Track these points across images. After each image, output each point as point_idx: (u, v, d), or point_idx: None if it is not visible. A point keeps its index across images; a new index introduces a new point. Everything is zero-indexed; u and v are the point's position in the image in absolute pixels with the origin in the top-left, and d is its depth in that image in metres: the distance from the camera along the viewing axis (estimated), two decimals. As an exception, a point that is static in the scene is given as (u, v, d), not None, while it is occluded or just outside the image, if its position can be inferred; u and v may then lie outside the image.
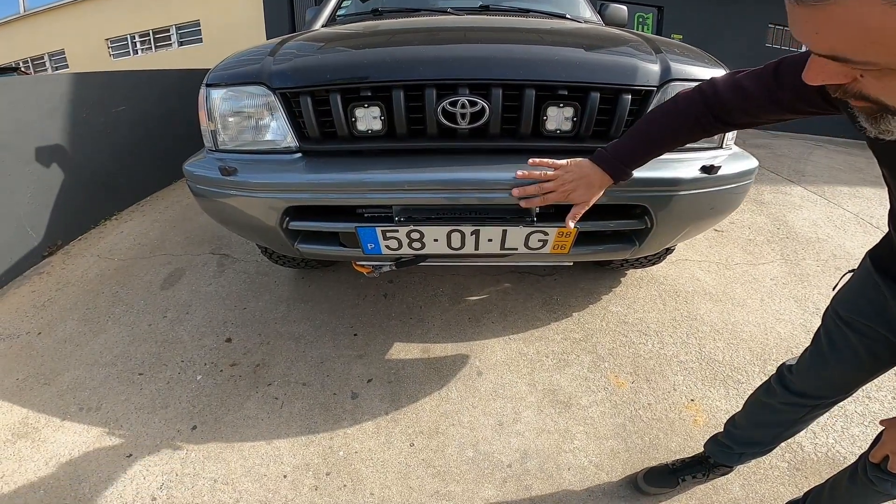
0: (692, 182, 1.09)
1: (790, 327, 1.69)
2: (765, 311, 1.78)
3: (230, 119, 1.14)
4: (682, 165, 1.10)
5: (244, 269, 2.14)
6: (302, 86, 1.05)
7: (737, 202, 1.25)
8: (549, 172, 0.93)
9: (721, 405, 1.37)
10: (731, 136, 1.20)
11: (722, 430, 1.09)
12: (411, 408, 1.38)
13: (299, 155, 1.12)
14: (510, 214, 1.06)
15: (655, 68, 1.08)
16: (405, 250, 1.07)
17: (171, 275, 2.11)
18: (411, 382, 1.47)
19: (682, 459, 1.16)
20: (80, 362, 1.58)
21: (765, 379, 0.99)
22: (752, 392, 1.01)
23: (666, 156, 1.12)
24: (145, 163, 3.03)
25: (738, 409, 1.05)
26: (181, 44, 10.72)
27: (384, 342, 1.65)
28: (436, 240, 1.05)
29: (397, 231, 1.03)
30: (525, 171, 0.95)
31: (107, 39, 11.23)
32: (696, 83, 0.83)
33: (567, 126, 1.08)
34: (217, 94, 1.13)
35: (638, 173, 1.06)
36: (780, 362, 0.95)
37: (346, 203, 1.06)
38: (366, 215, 1.11)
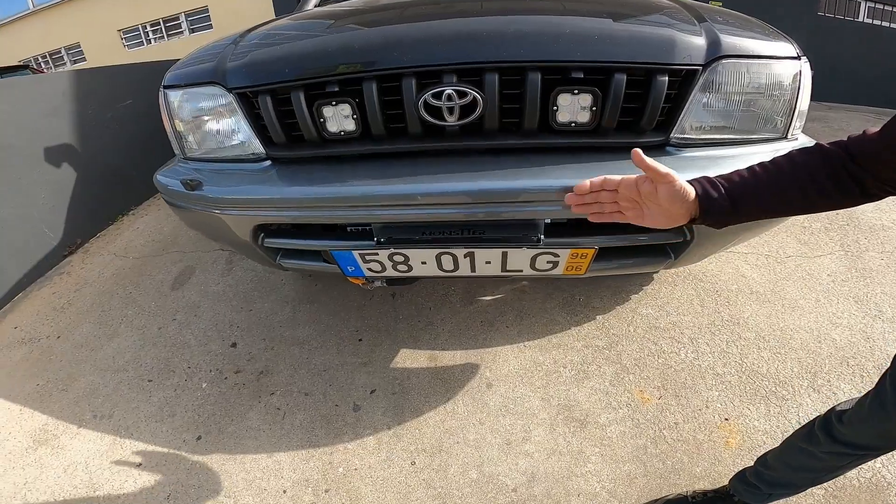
0: None
1: (847, 333, 1.55)
2: (819, 314, 1.63)
3: (192, 124, 1.11)
4: (737, 162, 0.94)
5: (252, 266, 2.20)
6: (259, 84, 0.98)
7: None
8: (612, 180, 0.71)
9: (759, 425, 1.29)
10: (798, 123, 1.03)
11: (751, 466, 1.02)
12: (415, 422, 1.39)
13: (268, 163, 1.07)
14: (511, 233, 0.99)
15: (700, 42, 0.92)
16: (390, 273, 1.04)
17: (181, 273, 2.21)
18: (416, 394, 1.47)
19: (704, 493, 1.10)
20: (94, 367, 1.70)
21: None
22: (791, 434, 0.94)
23: (717, 151, 0.99)
24: (156, 155, 3.10)
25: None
26: (192, 31, 10.93)
27: (390, 348, 1.66)
28: (424, 262, 1.00)
29: (377, 254, 0.99)
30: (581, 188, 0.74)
31: (119, 30, 11.63)
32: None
33: (584, 117, 0.94)
34: (175, 97, 1.09)
35: (679, 173, 0.93)
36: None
37: (316, 221, 1.02)
38: (349, 229, 1.08)
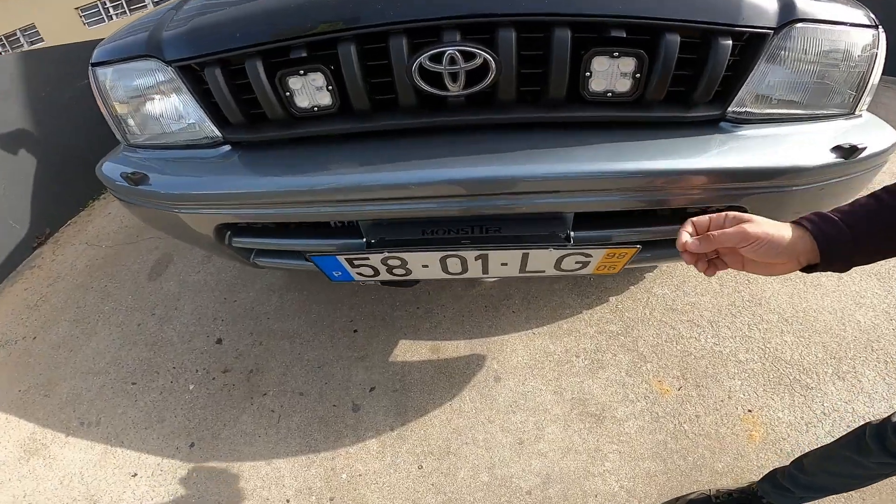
0: (821, 171, 0.81)
1: (871, 314, 1.48)
2: (843, 293, 1.56)
3: (130, 106, 0.95)
4: (800, 145, 0.82)
5: (237, 251, 2.08)
6: (203, 54, 0.82)
7: (862, 189, 0.95)
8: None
9: (783, 417, 1.24)
10: (867, 98, 0.89)
11: (783, 468, 0.97)
12: (419, 423, 1.33)
13: (227, 148, 0.92)
14: (533, 229, 0.86)
15: (770, 2, 0.78)
16: (385, 276, 0.92)
17: (158, 262, 2.09)
18: (419, 391, 1.41)
19: (729, 492, 1.06)
20: (75, 370, 1.62)
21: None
22: (834, 441, 0.88)
23: (777, 129, 0.85)
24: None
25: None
26: (156, 2, 10.23)
27: (388, 340, 1.57)
28: (425, 266, 0.88)
29: (368, 258, 0.86)
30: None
31: (76, 8, 10.96)
32: None
33: (624, 85, 0.79)
34: (105, 75, 0.93)
35: (736, 161, 0.79)
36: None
37: (287, 219, 0.89)
38: (333, 223, 0.96)
